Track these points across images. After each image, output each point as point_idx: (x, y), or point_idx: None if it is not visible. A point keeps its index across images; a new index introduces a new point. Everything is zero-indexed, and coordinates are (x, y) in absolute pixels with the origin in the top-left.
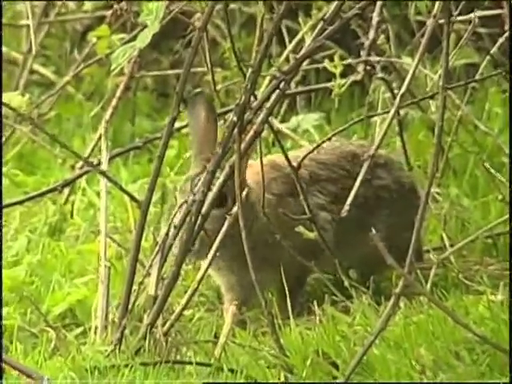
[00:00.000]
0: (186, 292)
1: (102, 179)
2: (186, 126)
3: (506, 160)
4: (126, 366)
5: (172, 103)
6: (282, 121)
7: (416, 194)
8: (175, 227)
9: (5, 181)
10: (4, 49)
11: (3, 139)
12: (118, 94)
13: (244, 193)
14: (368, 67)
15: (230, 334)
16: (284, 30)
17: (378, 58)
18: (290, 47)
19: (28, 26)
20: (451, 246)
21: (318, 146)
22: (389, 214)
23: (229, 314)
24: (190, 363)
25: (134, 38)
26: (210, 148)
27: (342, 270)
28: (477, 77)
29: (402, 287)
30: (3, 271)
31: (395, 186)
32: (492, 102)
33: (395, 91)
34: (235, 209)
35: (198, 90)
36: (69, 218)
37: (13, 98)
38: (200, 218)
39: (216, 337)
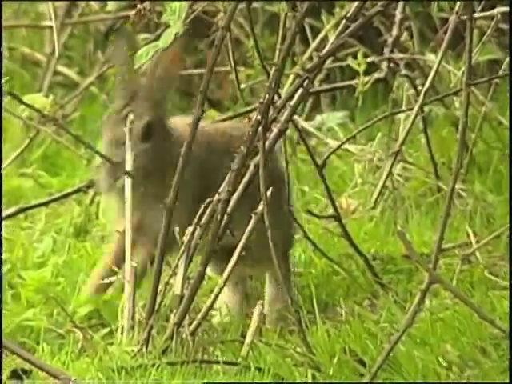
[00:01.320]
0: (212, 291)
1: (127, 179)
2: None
3: None
4: (153, 365)
5: (196, 102)
6: (307, 119)
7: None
8: (201, 226)
9: (30, 182)
10: (27, 50)
11: (27, 141)
12: None
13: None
14: (391, 64)
15: (256, 332)
16: (307, 28)
17: (401, 55)
18: (313, 45)
19: (51, 27)
20: (476, 242)
21: (343, 144)
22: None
23: (255, 312)
24: (217, 362)
25: (157, 38)
26: (131, 79)
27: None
28: (500, 73)
29: (428, 283)
30: (29, 272)
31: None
32: None
33: (419, 88)
34: (260, 207)
35: (118, 25)
36: (94, 219)
37: (37, 99)
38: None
39: (243, 336)
